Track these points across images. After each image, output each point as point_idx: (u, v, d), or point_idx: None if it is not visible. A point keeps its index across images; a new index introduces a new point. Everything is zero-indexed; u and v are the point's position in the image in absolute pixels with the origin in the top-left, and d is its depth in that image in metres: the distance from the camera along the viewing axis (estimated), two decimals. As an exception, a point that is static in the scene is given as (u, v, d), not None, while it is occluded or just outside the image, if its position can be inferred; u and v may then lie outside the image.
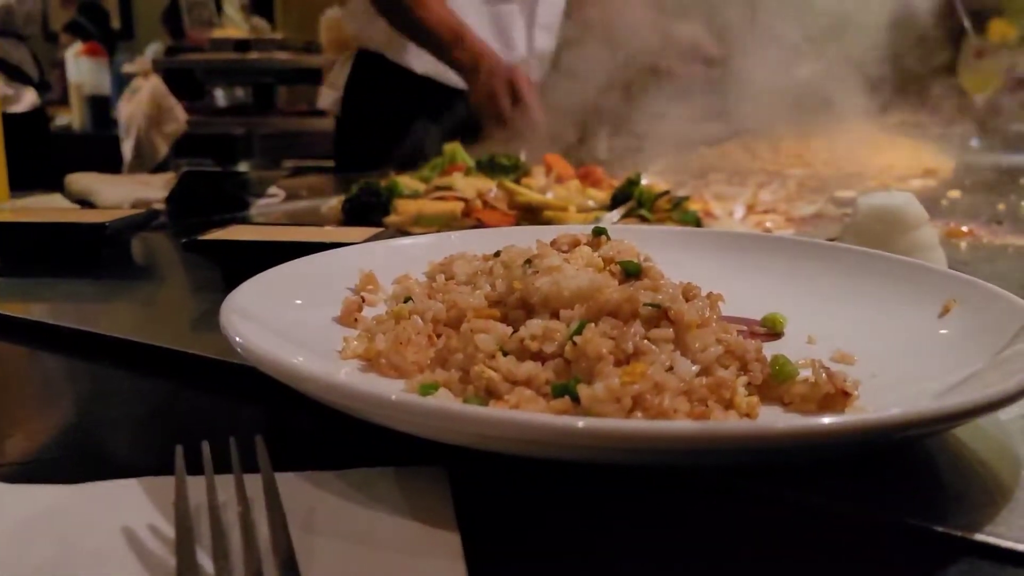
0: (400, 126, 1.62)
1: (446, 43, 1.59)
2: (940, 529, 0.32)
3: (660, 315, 0.41)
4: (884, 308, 0.52)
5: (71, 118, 3.88)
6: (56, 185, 1.14)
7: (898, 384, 0.42)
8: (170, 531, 0.31)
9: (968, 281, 0.50)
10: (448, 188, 0.96)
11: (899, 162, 1.54)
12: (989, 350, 0.42)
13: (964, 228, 0.92)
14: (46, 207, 1.02)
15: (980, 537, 0.31)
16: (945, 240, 0.87)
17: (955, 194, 1.21)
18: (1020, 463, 0.38)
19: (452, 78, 1.70)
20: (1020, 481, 0.36)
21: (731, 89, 1.65)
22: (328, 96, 1.95)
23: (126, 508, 0.33)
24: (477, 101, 1.58)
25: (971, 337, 0.45)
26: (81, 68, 3.69)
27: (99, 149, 3.46)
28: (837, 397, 0.39)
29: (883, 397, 0.40)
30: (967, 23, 2.05)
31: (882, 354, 0.46)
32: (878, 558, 0.31)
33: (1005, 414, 0.41)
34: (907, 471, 0.37)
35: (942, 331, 0.48)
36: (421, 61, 1.72)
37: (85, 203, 1.07)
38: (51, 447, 0.41)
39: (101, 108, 3.71)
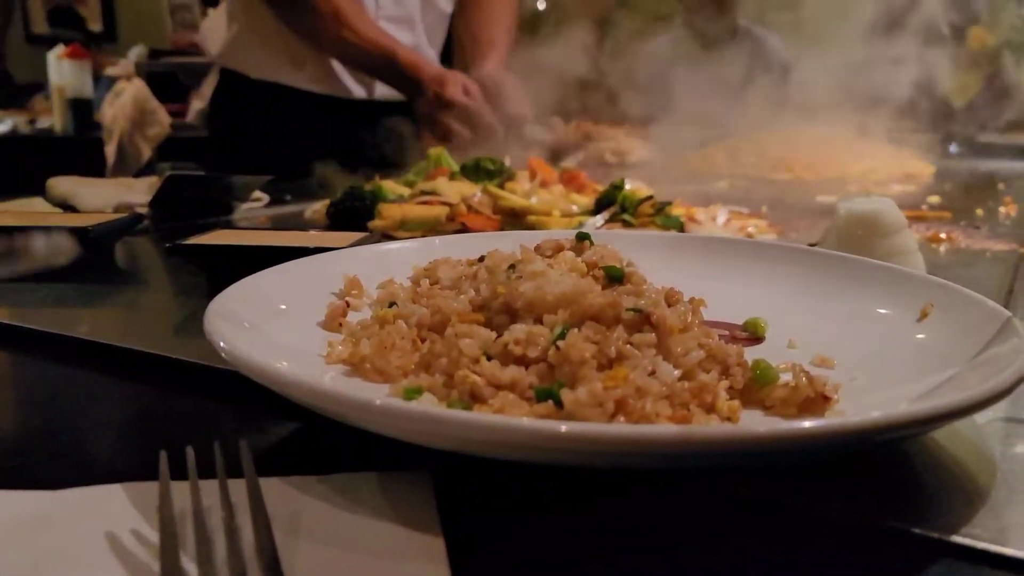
0: (271, 142, 1.57)
1: (379, 64, 1.53)
2: (918, 531, 0.32)
3: (642, 320, 0.41)
4: (864, 312, 0.52)
5: (53, 121, 3.84)
6: (38, 189, 1.13)
7: (877, 387, 0.43)
8: (154, 536, 0.31)
9: (945, 286, 0.51)
10: (433, 193, 0.96)
11: (880, 167, 1.56)
12: (966, 354, 0.43)
13: (943, 234, 0.93)
14: (28, 211, 1.01)
15: (957, 539, 0.32)
16: (924, 244, 0.88)
17: (935, 199, 1.22)
18: (996, 465, 0.38)
19: (330, 85, 1.64)
20: (996, 483, 0.36)
21: (716, 95, 1.67)
22: (195, 108, 1.89)
23: (110, 514, 0.33)
24: (422, 120, 1.50)
25: (948, 341, 0.46)
26: (63, 70, 3.65)
27: (82, 152, 3.43)
28: (817, 401, 0.40)
29: (862, 400, 0.41)
30: (947, 31, 2.07)
31: (861, 358, 0.47)
32: (857, 559, 0.32)
33: (982, 417, 0.42)
34: (886, 474, 0.37)
35: (920, 335, 0.48)
36: (291, 75, 1.64)
37: (67, 207, 1.06)
38: (33, 453, 0.41)
39: (83, 111, 3.68)
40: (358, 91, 1.70)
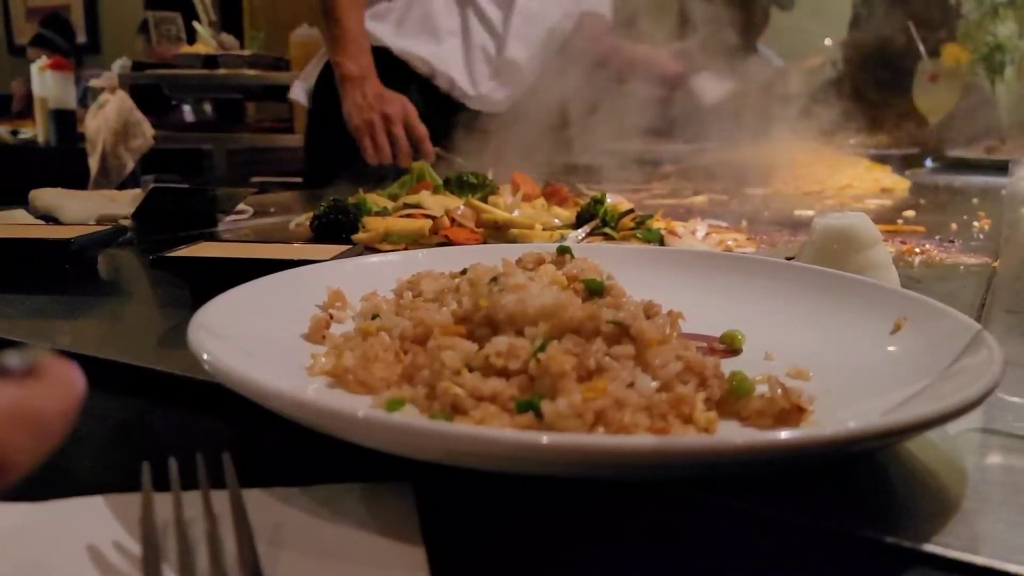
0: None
1: (337, 43, 1.61)
2: (891, 539, 0.33)
3: (622, 332, 0.42)
4: (839, 325, 0.53)
5: (35, 132, 3.82)
6: (20, 200, 1.12)
7: (851, 399, 0.43)
8: (136, 548, 0.31)
9: (918, 299, 0.52)
10: (416, 206, 0.97)
11: (857, 181, 1.58)
12: (938, 365, 0.44)
13: (917, 249, 0.95)
14: (9, 222, 1.01)
15: (929, 547, 0.32)
16: (899, 258, 0.89)
17: (910, 213, 1.24)
18: (968, 475, 0.39)
19: (441, 78, 1.71)
20: (968, 493, 0.37)
21: (694, 108, 1.69)
22: (299, 87, 1.90)
23: (91, 526, 0.33)
24: (348, 119, 1.59)
25: (921, 353, 0.46)
26: (46, 82, 3.64)
27: (64, 163, 3.41)
28: (792, 412, 0.40)
29: (837, 411, 0.41)
30: (921, 47, 2.11)
31: (836, 370, 0.47)
32: (830, 568, 0.32)
33: (953, 427, 0.43)
34: (859, 483, 0.38)
35: (893, 348, 0.49)
36: (416, 51, 1.72)
37: (50, 219, 1.06)
38: (14, 465, 0.41)
39: (66, 122, 3.66)
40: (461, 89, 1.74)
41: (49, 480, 0.39)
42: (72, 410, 0.25)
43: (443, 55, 1.75)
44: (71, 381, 0.25)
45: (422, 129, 1.59)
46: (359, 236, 0.92)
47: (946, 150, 2.11)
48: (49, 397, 0.24)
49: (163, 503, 0.32)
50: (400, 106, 1.59)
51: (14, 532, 0.32)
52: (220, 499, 0.32)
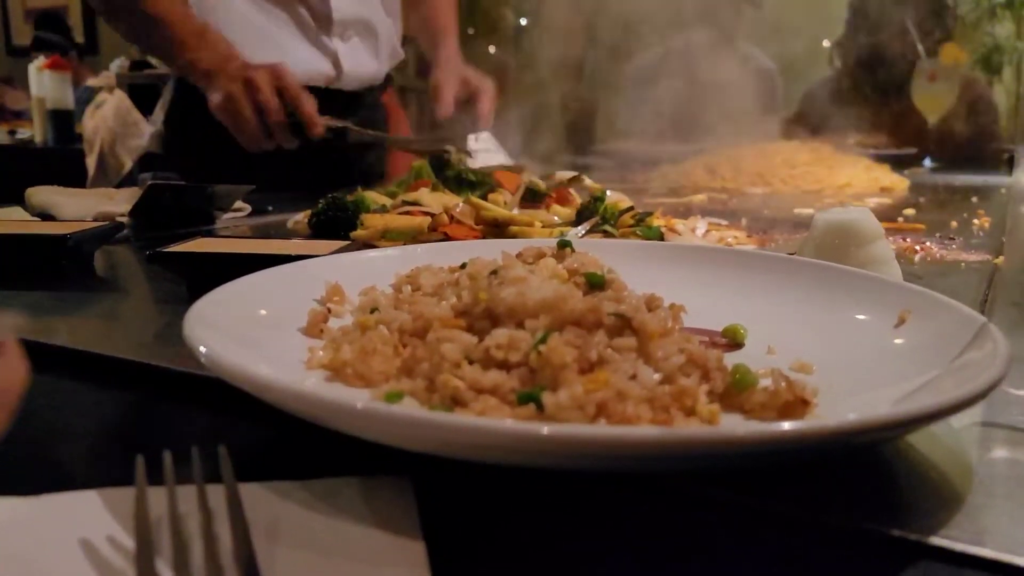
0: (234, 155, 1.40)
1: (180, 42, 1.34)
2: (896, 533, 0.32)
3: (623, 324, 0.41)
4: (841, 319, 0.53)
5: (33, 132, 3.82)
6: (18, 199, 1.12)
7: (855, 392, 0.43)
8: (130, 543, 0.30)
9: (922, 292, 0.51)
10: (415, 204, 0.96)
11: (856, 181, 1.58)
12: (942, 359, 0.43)
13: (917, 247, 0.94)
14: (5, 219, 1.00)
15: (934, 541, 0.32)
16: (899, 255, 0.89)
17: (909, 211, 1.24)
18: (972, 468, 0.39)
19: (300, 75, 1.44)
20: (973, 486, 0.37)
21: (694, 108, 1.69)
22: (148, 132, 1.72)
23: (85, 520, 0.32)
24: (220, 112, 1.33)
25: (925, 346, 0.46)
26: (43, 82, 3.64)
27: (62, 163, 3.41)
28: (796, 405, 0.40)
29: (841, 404, 0.41)
30: (920, 47, 2.11)
31: (840, 363, 0.47)
32: (835, 562, 0.32)
33: (958, 421, 0.42)
34: (864, 477, 0.37)
35: (897, 341, 0.49)
36: None
37: (46, 216, 1.05)
38: (9, 459, 0.41)
39: (64, 122, 3.66)
40: (319, 71, 1.53)
41: (43, 474, 0.39)
42: (24, 384, 0.25)
43: (285, 47, 1.49)
44: (19, 356, 0.25)
45: (296, 90, 1.31)
46: (357, 233, 0.91)
47: (945, 149, 2.11)
48: (7, 372, 0.24)
49: (158, 497, 0.32)
50: (268, 70, 1.31)
51: (7, 526, 0.32)
52: (216, 493, 0.32)
